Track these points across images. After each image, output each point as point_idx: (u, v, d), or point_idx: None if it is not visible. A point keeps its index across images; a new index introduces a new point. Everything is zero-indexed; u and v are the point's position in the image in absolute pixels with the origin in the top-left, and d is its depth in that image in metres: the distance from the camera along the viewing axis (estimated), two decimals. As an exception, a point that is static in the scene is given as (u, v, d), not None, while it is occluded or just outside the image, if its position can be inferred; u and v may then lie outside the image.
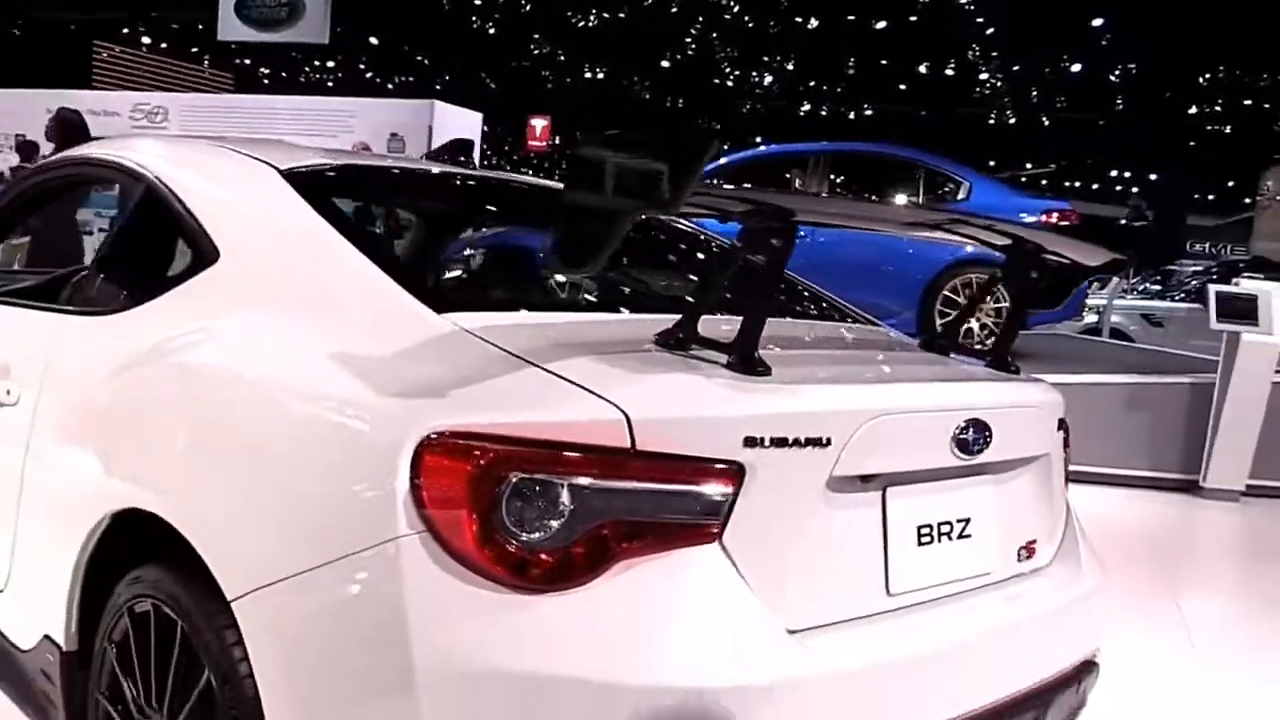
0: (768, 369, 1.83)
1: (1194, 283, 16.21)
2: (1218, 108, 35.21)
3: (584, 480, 1.64)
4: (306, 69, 37.55)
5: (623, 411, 1.65)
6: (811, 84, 34.85)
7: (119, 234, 2.68)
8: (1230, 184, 38.12)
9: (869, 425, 1.87)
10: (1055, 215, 8.58)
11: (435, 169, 2.99)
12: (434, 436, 1.64)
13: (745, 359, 1.82)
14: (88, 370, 2.36)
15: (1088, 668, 2.38)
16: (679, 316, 2.03)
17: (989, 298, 8.20)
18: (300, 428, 1.81)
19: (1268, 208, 29.43)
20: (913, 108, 33.61)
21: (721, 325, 1.96)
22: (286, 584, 1.71)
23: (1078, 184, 38.72)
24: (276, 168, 2.44)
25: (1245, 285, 8.13)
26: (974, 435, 2.06)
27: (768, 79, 34.94)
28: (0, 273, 3.55)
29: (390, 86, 36.67)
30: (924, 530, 2.04)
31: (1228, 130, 35.52)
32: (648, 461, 1.66)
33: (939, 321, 8.20)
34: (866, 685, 1.82)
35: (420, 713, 1.59)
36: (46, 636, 2.37)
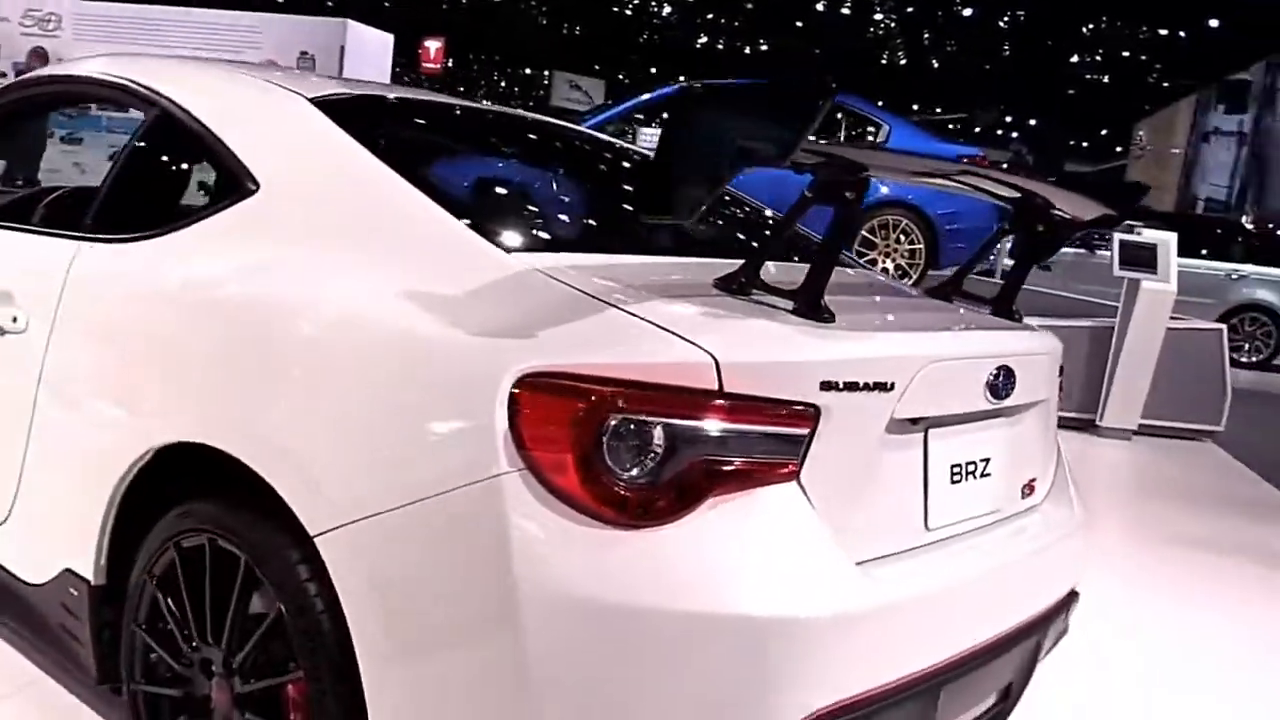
0: (833, 315, 1.90)
1: (1078, 232, 16.71)
2: (1097, 57, 36.12)
3: (676, 421, 1.70)
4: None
5: (711, 355, 1.71)
6: (709, 17, 34.81)
7: (132, 158, 2.60)
8: (1104, 133, 39.35)
9: (925, 370, 1.96)
10: (966, 161, 8.79)
11: (464, 104, 2.98)
12: (532, 377, 1.69)
13: (814, 306, 1.89)
14: (118, 298, 2.31)
15: (1073, 596, 2.55)
16: (726, 259, 2.10)
17: (902, 240, 8.44)
18: (386, 365, 1.82)
19: (1140, 157, 30.54)
20: (807, 44, 33.81)
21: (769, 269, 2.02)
22: (378, 519, 1.74)
23: (959, 126, 39.47)
24: (303, 95, 2.41)
25: (1146, 235, 8.48)
26: (1003, 381, 2.18)
27: (666, 9, 34.79)
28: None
29: (281, 0, 35.52)
30: (955, 470, 2.15)
31: (1105, 80, 36.50)
32: (734, 403, 1.73)
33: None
34: (920, 613, 1.94)
35: (522, 642, 1.64)
36: (68, 570, 2.35)
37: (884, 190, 8.37)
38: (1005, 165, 10.41)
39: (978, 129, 36.39)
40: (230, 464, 1.97)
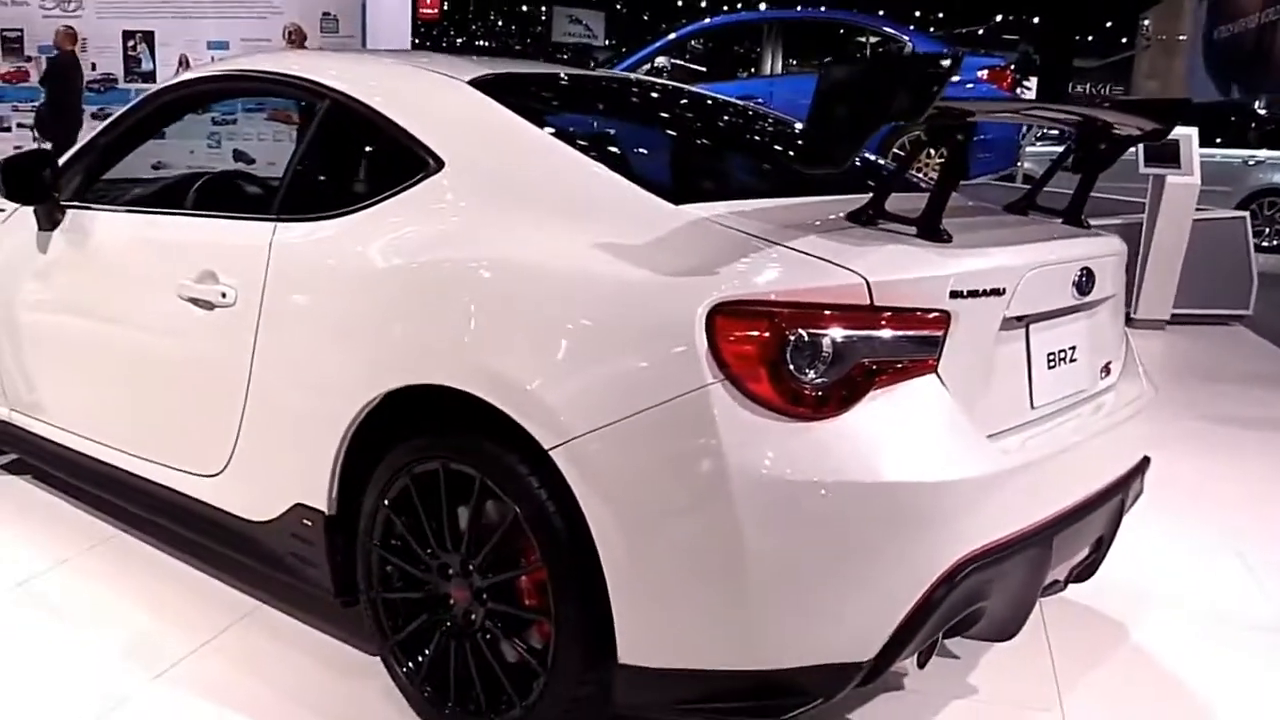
0: (950, 236, 2.31)
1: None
2: (1097, -51, 35.76)
3: (841, 332, 2.12)
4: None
5: (862, 276, 2.12)
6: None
7: (310, 147, 3.00)
8: (1109, 25, 39.06)
9: (1027, 276, 2.38)
10: (988, 71, 9.13)
11: (579, 72, 3.40)
12: (723, 305, 2.10)
13: (934, 230, 2.30)
14: (328, 267, 2.71)
15: (1145, 462, 2.98)
16: (843, 195, 2.51)
17: (932, 154, 8.78)
18: (600, 306, 2.22)
19: (1147, 48, 30.33)
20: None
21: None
22: (605, 430, 2.16)
23: (964, 30, 39.29)
24: (462, 79, 2.81)
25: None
26: (1085, 280, 2.59)
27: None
28: (104, 181, 3.80)
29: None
30: (1051, 357, 2.58)
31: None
32: (883, 314, 2.14)
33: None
34: (1034, 475, 2.36)
35: (733, 513, 2.07)
36: (299, 505, 2.78)
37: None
38: (1013, 66, 10.71)
39: (980, 33, 36.28)
40: (455, 399, 2.39)
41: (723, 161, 3.33)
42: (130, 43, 13.62)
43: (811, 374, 2.11)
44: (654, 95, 3.55)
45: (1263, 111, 18.56)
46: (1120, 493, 2.78)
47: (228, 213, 3.12)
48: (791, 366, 2.10)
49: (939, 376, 2.22)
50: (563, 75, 3.33)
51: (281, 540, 2.87)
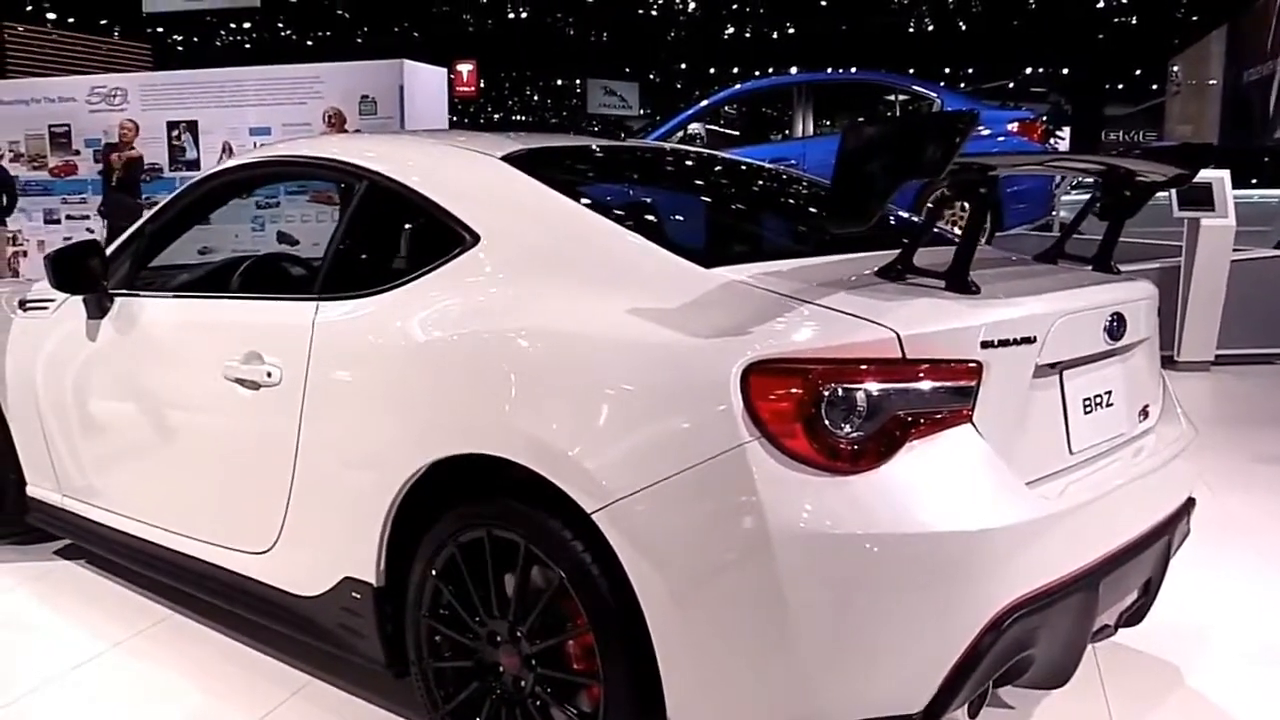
0: (978, 288, 2.34)
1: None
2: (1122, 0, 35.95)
3: (874, 386, 2.14)
4: (222, 33, 37.09)
5: (894, 331, 2.16)
6: (734, 7, 35.15)
7: (350, 227, 3.08)
8: (1138, 73, 39.13)
9: (1058, 323, 2.40)
10: (1018, 124, 9.17)
11: (609, 143, 3.49)
12: (757, 364, 2.14)
13: (962, 282, 2.34)
14: (370, 343, 2.77)
15: (1190, 503, 2.97)
16: (869, 252, 2.56)
17: (956, 209, 8.80)
18: (636, 370, 2.26)
19: (1177, 93, 30.33)
20: (831, 24, 34.08)
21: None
22: (646, 492, 2.19)
23: (993, 85, 39.49)
24: (493, 155, 2.89)
25: (1200, 174, 8.78)
26: (1117, 325, 2.61)
27: (690, 4, 35.19)
28: (149, 269, 3.90)
29: (309, 43, 36.39)
30: (1087, 402, 2.59)
31: (1133, 21, 36.28)
32: (916, 366, 2.17)
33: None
34: (1077, 520, 2.37)
35: (775, 571, 2.09)
36: (348, 578, 2.83)
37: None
38: (1045, 118, 10.73)
39: (1010, 86, 36.45)
40: (497, 467, 2.43)
41: (753, 224, 3.39)
42: (175, 132, 13.98)
43: (847, 428, 2.13)
44: (683, 162, 3.62)
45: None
46: (1166, 535, 2.77)
47: (271, 294, 3.21)
48: (827, 422, 2.12)
49: (974, 426, 2.24)
50: (593, 147, 3.41)
51: (331, 614, 2.91)
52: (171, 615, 3.77)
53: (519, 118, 49.81)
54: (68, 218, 14.13)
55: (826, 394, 2.13)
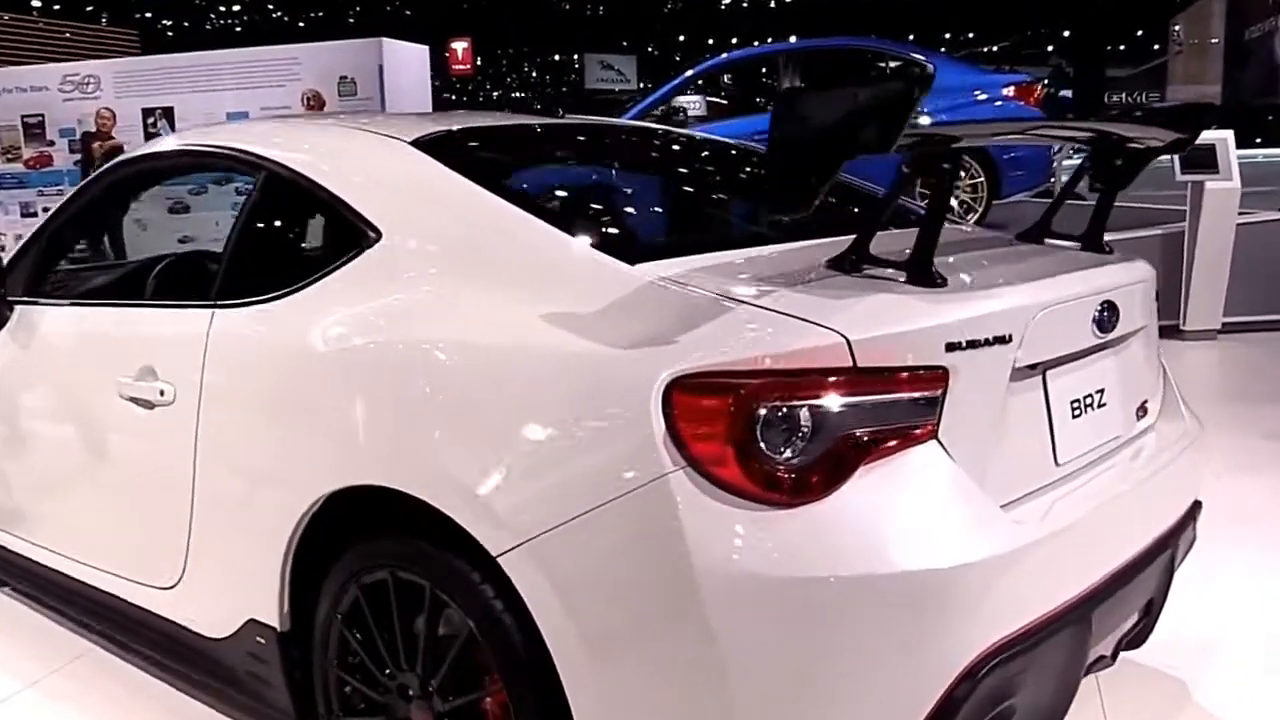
0: (944, 280, 2.02)
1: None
2: (1121, -43, 35.47)
3: (820, 401, 1.82)
4: (212, 16, 36.66)
5: (842, 335, 1.83)
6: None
7: (249, 223, 2.76)
8: (1139, 33, 38.61)
9: (1038, 318, 2.08)
10: (1014, 88, 8.82)
11: (543, 121, 3.12)
12: (681, 380, 1.82)
13: (925, 273, 2.01)
14: (264, 358, 2.46)
15: (1196, 507, 2.65)
16: (824, 239, 2.23)
17: (961, 176, 8.46)
18: (546, 389, 1.95)
19: (1179, 53, 29.90)
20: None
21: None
22: (557, 532, 1.88)
23: (995, 49, 38.96)
24: (403, 139, 2.56)
25: (1202, 135, 8.42)
26: (1108, 315, 2.29)
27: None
28: (60, 270, 3.59)
29: (301, 25, 35.97)
30: (1075, 404, 2.27)
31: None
32: (869, 377, 1.85)
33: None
34: (1063, 545, 2.05)
35: (707, 623, 1.78)
36: (252, 621, 2.52)
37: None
38: (1046, 81, 10.38)
39: (1013, 49, 35.86)
40: (398, 499, 2.12)
41: (692, 211, 3.03)
42: (150, 119, 13.63)
43: (787, 453, 1.82)
44: (622, 143, 3.27)
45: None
46: (1169, 547, 2.46)
47: (169, 301, 2.89)
48: (764, 445, 1.81)
49: (940, 443, 1.92)
50: (521, 127, 3.07)
51: (239, 658, 2.61)
52: (92, 650, 3.46)
53: (518, 94, 49.43)
54: (44, 210, 13.76)
55: (762, 413, 1.81)
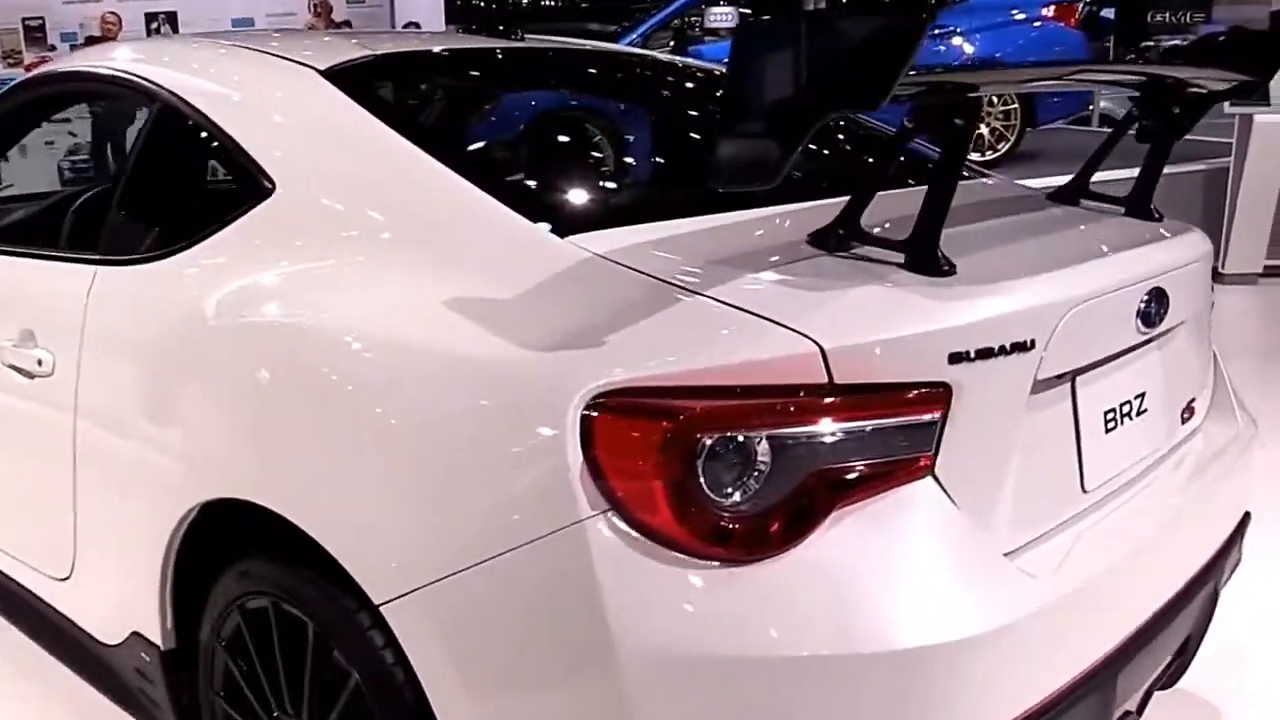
0: (952, 267, 1.60)
1: (1175, 59, 15.65)
2: None
3: (784, 429, 1.42)
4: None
5: (814, 341, 1.43)
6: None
7: (139, 163, 2.34)
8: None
9: (1069, 317, 1.65)
10: (1054, 7, 8.27)
11: (489, 46, 2.60)
12: (604, 396, 1.42)
13: (929, 258, 1.59)
14: (137, 332, 2.06)
15: (1245, 519, 2.25)
16: (817, 201, 1.81)
17: (994, 102, 7.93)
18: (440, 398, 1.55)
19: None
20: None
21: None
22: (448, 583, 1.49)
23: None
24: (315, 68, 2.12)
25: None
26: (1155, 307, 1.86)
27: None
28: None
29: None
30: (1109, 416, 1.85)
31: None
32: (849, 397, 1.44)
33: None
34: (1087, 600, 1.66)
35: (625, 710, 1.40)
36: (136, 634, 2.16)
37: (969, 50, 7.87)
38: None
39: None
40: (281, 520, 1.74)
41: (650, 164, 2.57)
42: (154, 25, 13.13)
43: (737, 495, 1.42)
44: (577, 76, 2.75)
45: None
46: (1213, 577, 2.06)
47: (60, 251, 2.48)
48: (706, 485, 1.41)
49: (938, 480, 1.52)
50: (455, 54, 2.56)
51: (129, 672, 2.25)
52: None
53: (547, 3, 48.27)
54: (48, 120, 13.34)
55: (707, 443, 1.40)
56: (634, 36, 8.51)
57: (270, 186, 1.93)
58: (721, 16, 10.99)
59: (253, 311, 1.84)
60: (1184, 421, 2.12)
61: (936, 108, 1.58)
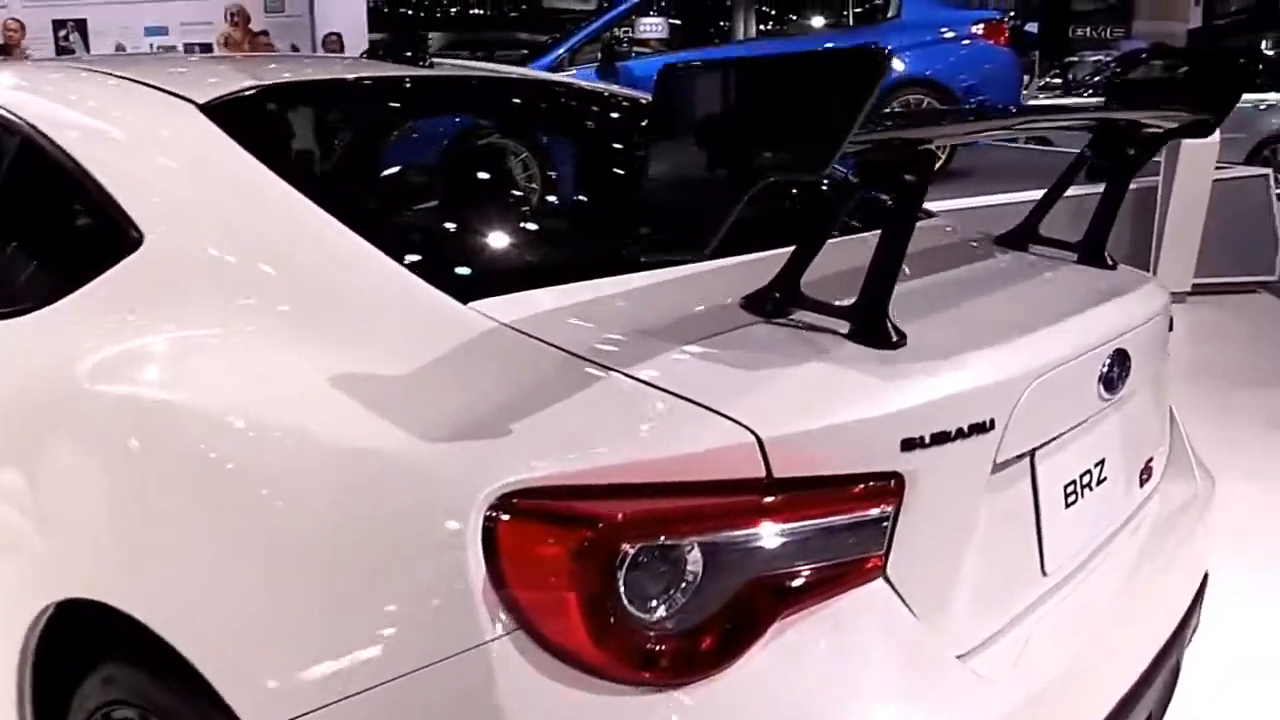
0: (902, 337, 1.43)
1: (1098, 78, 15.84)
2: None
3: (717, 533, 1.24)
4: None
5: (750, 430, 1.25)
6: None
7: (1, 203, 2.11)
8: (1107, -37, 37.88)
9: (1031, 390, 1.49)
10: (983, 25, 8.22)
11: (393, 75, 2.35)
12: (510, 497, 1.22)
13: (876, 329, 1.42)
14: None
15: (1205, 580, 2.12)
16: (743, 258, 1.63)
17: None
18: (320, 494, 1.35)
19: (1146, -13, 29.31)
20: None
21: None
22: (334, 710, 1.29)
23: (959, -23, 38.09)
24: (193, 101, 1.90)
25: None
26: (1118, 370, 1.72)
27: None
28: None
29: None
30: (1069, 489, 1.70)
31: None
32: (790, 494, 1.27)
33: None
34: (1047, 699, 1.50)
35: None
36: None
37: (900, 67, 7.78)
38: (1011, 14, 9.76)
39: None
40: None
41: (567, 213, 2.36)
42: (61, 32, 12.73)
43: (663, 610, 1.24)
44: (490, 107, 2.51)
45: (1270, 53, 17.53)
46: (1176, 650, 1.93)
47: None
48: (628, 600, 1.22)
49: (889, 580, 1.35)
50: (351, 84, 2.33)
51: None
52: None
53: (476, 10, 48.04)
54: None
55: (630, 552, 1.22)
56: (560, 51, 8.28)
57: (137, 237, 1.71)
58: (652, 27, 10.81)
59: (110, 383, 1.61)
60: (1142, 484, 1.98)
61: (884, 164, 1.41)
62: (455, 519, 1.23)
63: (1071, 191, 2.18)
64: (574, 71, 8.09)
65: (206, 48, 12.08)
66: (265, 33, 11.95)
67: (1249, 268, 8.15)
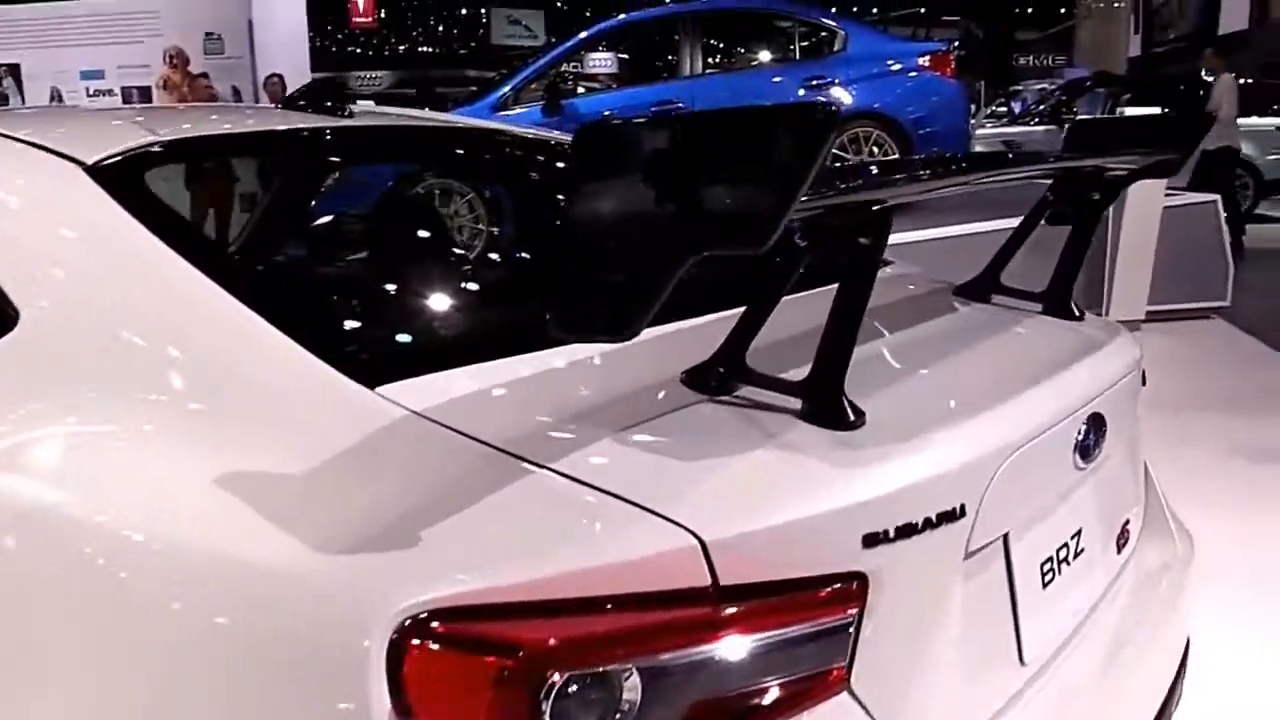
0: (861, 416, 1.29)
1: (1044, 106, 15.93)
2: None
3: (656, 654, 1.09)
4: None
5: (692, 533, 1.10)
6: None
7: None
8: (1049, -3, 38.50)
9: (1004, 469, 1.36)
10: (929, 57, 8.18)
11: (306, 127, 2.15)
12: (418, 618, 1.06)
13: (831, 407, 1.28)
14: None
15: (1187, 648, 1.99)
16: (682, 324, 1.49)
17: (875, 152, 7.80)
18: (201, 616, 1.18)
19: (1087, 18, 29.83)
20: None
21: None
22: None
23: (904, 10, 38.48)
24: (81, 163, 1.72)
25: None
26: (1094, 436, 1.59)
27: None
28: None
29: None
30: (1046, 568, 1.56)
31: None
32: (740, 604, 1.12)
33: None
34: None
35: None
36: None
37: (847, 100, 7.72)
38: (956, 43, 9.79)
39: (922, 11, 35.25)
40: None
41: (489, 280, 2.19)
42: (-5, 78, 12.50)
43: None
44: (406, 160, 2.35)
45: (1210, 79, 17.77)
46: (1167, 716, 1.80)
47: None
48: None
49: (853, 694, 1.20)
50: (256, 138, 2.16)
51: None
52: None
53: (424, 49, 48.09)
54: None
55: (557, 680, 1.06)
56: (505, 90, 8.13)
57: (13, 316, 1.54)
58: (600, 62, 10.69)
59: None
60: (1120, 548, 1.85)
61: (835, 227, 1.27)
62: (357, 643, 1.07)
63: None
64: (519, 110, 7.96)
65: (145, 91, 11.87)
66: (205, 75, 11.74)
67: (1201, 294, 8.16)
